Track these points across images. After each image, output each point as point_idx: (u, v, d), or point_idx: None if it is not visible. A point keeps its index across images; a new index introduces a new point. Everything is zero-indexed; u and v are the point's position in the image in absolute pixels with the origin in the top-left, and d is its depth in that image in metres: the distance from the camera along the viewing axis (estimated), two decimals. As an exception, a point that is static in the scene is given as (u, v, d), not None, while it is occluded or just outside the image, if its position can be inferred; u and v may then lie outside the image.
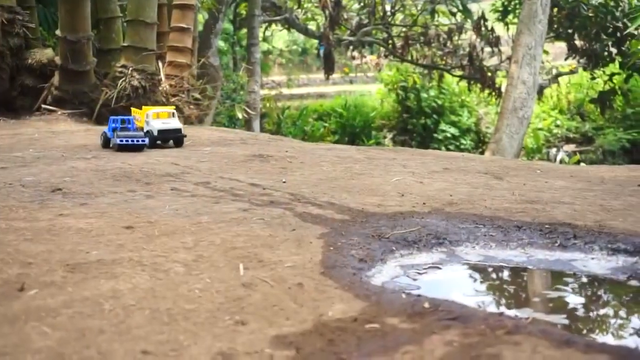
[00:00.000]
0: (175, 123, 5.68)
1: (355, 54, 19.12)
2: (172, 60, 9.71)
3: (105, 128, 5.50)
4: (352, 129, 20.44)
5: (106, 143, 5.43)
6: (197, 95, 10.15)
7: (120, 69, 8.67)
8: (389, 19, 18.16)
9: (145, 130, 5.53)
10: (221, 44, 19.80)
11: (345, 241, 2.80)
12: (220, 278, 2.32)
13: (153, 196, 3.59)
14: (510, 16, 16.87)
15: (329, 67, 17.00)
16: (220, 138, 6.07)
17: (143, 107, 6.08)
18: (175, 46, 9.74)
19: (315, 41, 21.06)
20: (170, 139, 5.67)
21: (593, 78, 16.55)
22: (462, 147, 19.71)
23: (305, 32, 18.07)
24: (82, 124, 8.35)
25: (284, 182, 4.01)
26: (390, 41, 18.29)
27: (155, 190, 3.73)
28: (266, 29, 18.98)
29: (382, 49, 19.36)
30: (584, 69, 17.00)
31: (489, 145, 12.36)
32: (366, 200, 3.53)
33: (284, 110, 20.09)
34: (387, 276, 2.57)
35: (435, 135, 19.96)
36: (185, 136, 5.73)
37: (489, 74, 17.42)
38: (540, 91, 16.99)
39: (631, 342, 1.95)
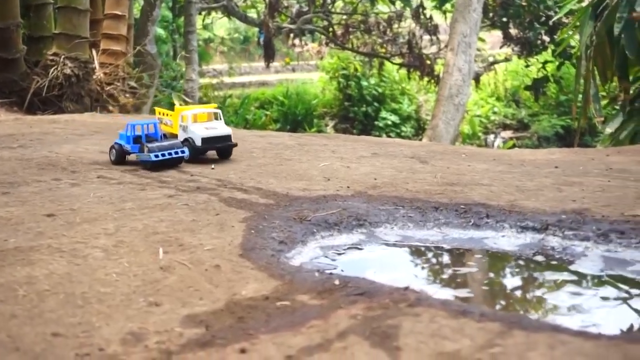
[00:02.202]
0: (222, 128, 4.35)
1: (296, 42, 19.14)
2: (106, 48, 9.55)
3: (115, 138, 4.27)
4: (294, 117, 20.47)
5: (121, 158, 4.15)
6: (133, 84, 10.03)
7: (51, 57, 8.50)
8: (329, 7, 18.24)
9: (181, 139, 4.24)
10: (161, 31, 19.54)
11: (267, 224, 2.85)
12: (139, 262, 2.35)
13: (78, 184, 3.57)
14: (448, 5, 17.16)
15: (269, 55, 16.97)
16: (154, 126, 6.02)
17: (175, 107, 4.63)
18: (109, 34, 9.58)
19: (257, 29, 20.98)
20: (218, 149, 4.34)
21: (527, 66, 17.01)
22: (402, 134, 19.97)
23: (245, 19, 18.00)
24: (12, 113, 8.15)
25: (213, 168, 4.03)
26: (330, 29, 18.38)
27: (82, 179, 3.71)
28: (205, 16, 18.81)
29: (322, 37, 19.43)
30: (519, 57, 17.46)
31: (426, 131, 12.60)
32: (292, 184, 3.59)
33: (226, 99, 19.97)
34: (306, 257, 2.65)
35: (376, 122, 20.16)
36: (236, 145, 4.38)
37: (428, 61, 17.71)
38: (477, 78, 17.38)
39: (522, 310, 2.08)
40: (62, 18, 8.69)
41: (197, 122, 4.30)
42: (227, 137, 4.32)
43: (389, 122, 20.15)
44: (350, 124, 20.65)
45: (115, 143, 4.22)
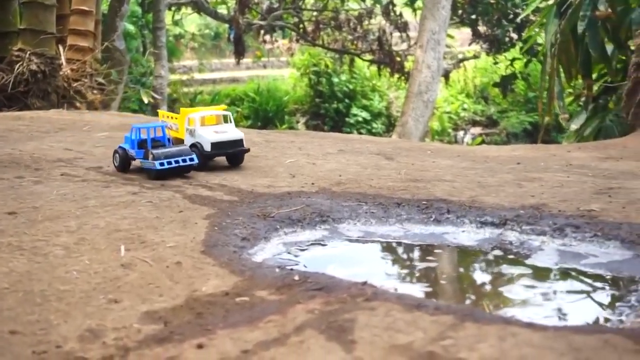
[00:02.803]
0: (233, 131, 4.03)
1: (267, 38, 19.11)
2: (73, 43, 9.42)
3: (119, 142, 3.93)
4: (265, 114, 20.43)
5: (125, 164, 3.82)
6: (101, 80, 9.91)
7: (17, 53, 8.35)
8: (300, 3, 18.24)
9: (189, 144, 3.92)
10: (130, 27, 19.34)
11: (230, 221, 2.87)
12: (100, 259, 2.36)
13: (42, 182, 3.55)
14: (419, 2, 17.27)
15: (239, 51, 16.93)
16: (120, 123, 5.98)
17: (181, 109, 4.20)
18: (76, 29, 9.45)
19: (228, 25, 20.88)
20: (228, 154, 4.01)
21: (495, 63, 17.21)
22: (373, 130, 20.06)
23: (215, 16, 17.91)
24: (-24, 110, 8.02)
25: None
26: (301, 25, 18.38)
27: (45, 176, 3.68)
28: (175, 12, 18.68)
29: (293, 33, 19.43)
30: (487, 54, 17.65)
31: (396, 128, 12.68)
32: (257, 181, 3.61)
33: (196, 95, 19.88)
34: (268, 253, 2.67)
35: (347, 119, 20.21)
36: (248, 150, 4.06)
37: (398, 58, 17.80)
38: (446, 75, 17.52)
39: (478, 303, 2.13)
40: (27, 13, 8.55)
41: (206, 125, 3.96)
42: (239, 142, 3.98)
43: (360, 119, 20.22)
44: (322, 121, 20.68)
45: (119, 147, 3.83)
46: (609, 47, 8.47)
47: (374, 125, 20.48)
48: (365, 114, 20.44)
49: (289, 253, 2.70)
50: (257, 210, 3.05)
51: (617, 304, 2.12)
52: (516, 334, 1.68)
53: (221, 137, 3.92)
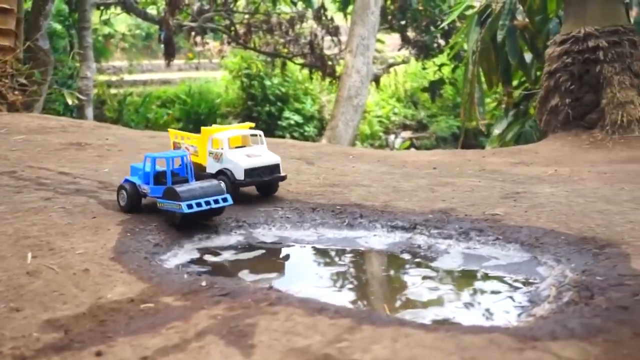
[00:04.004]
0: (267, 155, 3.36)
1: (198, 40, 18.93)
2: (-7, 43, 9.13)
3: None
4: (197, 116, 20.23)
5: (135, 203, 3.04)
6: (23, 81, 9.62)
7: None
8: (231, 6, 18.15)
9: (215, 171, 3.26)
10: (58, 26, 18.81)
11: (144, 227, 2.86)
12: (5, 267, 2.31)
13: (-50, 187, 3.44)
14: (351, 7, 17.47)
15: (169, 53, 16.71)
16: (40, 126, 5.86)
17: (202, 128, 3.45)
18: (-4, 28, 9.16)
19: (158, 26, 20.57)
20: (263, 183, 3.34)
21: (424, 68, 17.57)
22: (306, 134, 20.16)
23: (144, 16, 17.63)
24: None
25: (106, 170, 3.97)
26: (232, 28, 18.30)
27: (-46, 181, 3.58)
28: (103, 12, 18.28)
29: (224, 35, 19.32)
30: (416, 60, 18.00)
31: (326, 132, 12.79)
32: (176, 186, 3.60)
33: (126, 97, 19.50)
34: (181, 259, 2.68)
35: (279, 122, 20.24)
36: (285, 177, 3.42)
37: (330, 62, 17.94)
38: (377, 80, 17.78)
39: (376, 305, 2.20)
40: (-58, 11, 8.24)
41: (235, 149, 3.31)
42: (276, 167, 3.32)
43: (292, 122, 20.28)
44: (254, 124, 20.63)
45: (126, 181, 3.05)
46: (528, 56, 8.83)
47: (307, 128, 20.57)
48: (297, 117, 20.51)
49: (201, 259, 2.71)
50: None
51: (512, 304, 2.23)
52: (409, 335, 1.75)
53: (255, 161, 3.22)
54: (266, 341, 1.72)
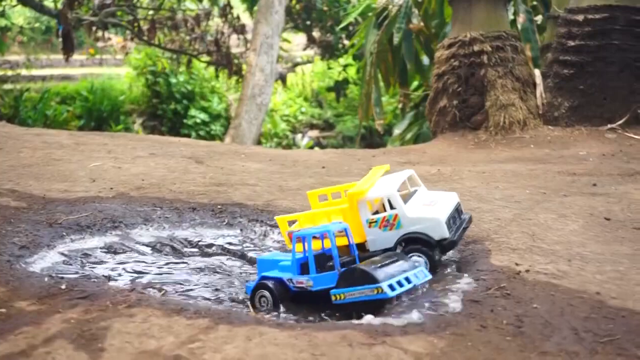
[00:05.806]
0: (442, 196, 2.55)
1: (99, 35, 18.34)
2: None
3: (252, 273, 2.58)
4: (99, 114, 19.62)
5: (284, 300, 2.20)
6: None
7: None
8: (134, 1, 17.71)
9: (394, 240, 2.37)
10: (-54, 17, 17.80)
11: (11, 229, 2.76)
12: None
13: None
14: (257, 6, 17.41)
15: (68, 48, 16.04)
16: None
17: (348, 193, 2.45)
18: None
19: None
20: (463, 232, 2.49)
21: (329, 68, 17.75)
22: (212, 132, 19.93)
23: (41, 9, 16.91)
24: None
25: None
26: (136, 24, 17.85)
27: None
28: (-3, 3, 17.40)
29: (128, 31, 18.82)
30: (321, 59, 18.17)
31: (229, 130, 12.71)
32: (53, 186, 3.49)
33: (23, 93, 18.67)
34: (48, 262, 2.59)
35: (185, 121, 19.93)
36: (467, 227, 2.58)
37: (236, 60, 17.82)
38: (283, 79, 17.83)
39: (238, 306, 2.20)
40: None
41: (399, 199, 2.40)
42: (459, 207, 2.56)
43: (199, 120, 20.01)
44: (159, 122, 20.21)
45: (263, 278, 2.23)
46: (426, 59, 9.08)
47: (213, 127, 20.35)
48: (204, 116, 20.25)
49: (72, 261, 2.64)
50: (44, 217, 2.95)
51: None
52: (264, 333, 1.77)
53: (444, 209, 2.41)
54: (117, 344, 1.69)
